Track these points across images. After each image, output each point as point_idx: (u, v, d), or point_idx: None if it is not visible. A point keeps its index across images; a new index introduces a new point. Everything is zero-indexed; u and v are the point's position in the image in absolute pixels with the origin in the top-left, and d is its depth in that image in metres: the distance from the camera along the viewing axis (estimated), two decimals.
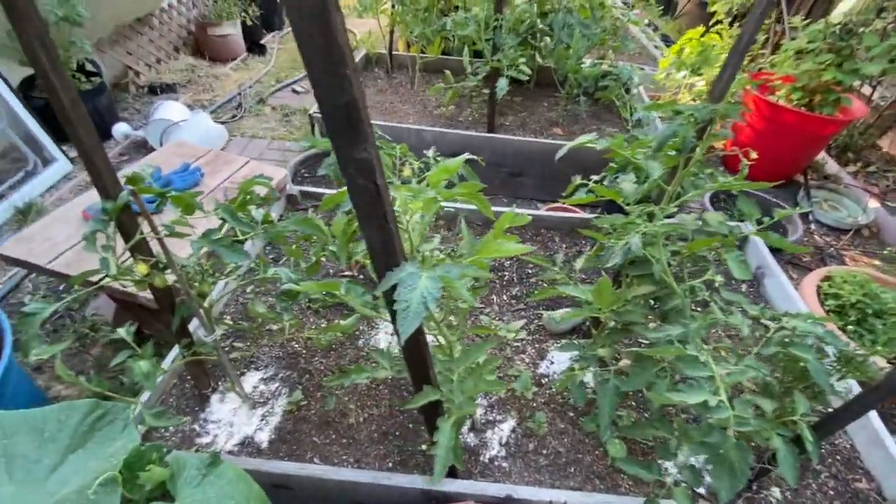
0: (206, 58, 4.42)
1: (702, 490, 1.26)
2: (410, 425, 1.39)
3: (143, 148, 3.14)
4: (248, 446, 1.31)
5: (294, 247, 1.14)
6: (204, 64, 4.32)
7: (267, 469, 1.19)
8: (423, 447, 1.33)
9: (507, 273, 1.94)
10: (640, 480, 1.25)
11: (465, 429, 1.38)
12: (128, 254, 0.99)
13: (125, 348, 1.03)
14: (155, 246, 1.03)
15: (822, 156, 3.35)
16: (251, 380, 1.47)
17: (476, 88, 3.09)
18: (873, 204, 2.89)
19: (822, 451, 1.37)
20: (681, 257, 1.15)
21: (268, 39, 5.07)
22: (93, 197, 1.88)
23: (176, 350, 1.35)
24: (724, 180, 1.20)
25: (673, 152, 1.08)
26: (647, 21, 5.70)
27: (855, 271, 1.80)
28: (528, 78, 2.72)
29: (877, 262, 2.58)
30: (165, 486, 0.75)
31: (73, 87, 0.80)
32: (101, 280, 0.96)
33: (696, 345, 0.88)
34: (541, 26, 3.00)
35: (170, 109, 3.00)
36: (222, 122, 3.43)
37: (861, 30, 2.60)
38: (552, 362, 1.58)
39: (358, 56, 3.54)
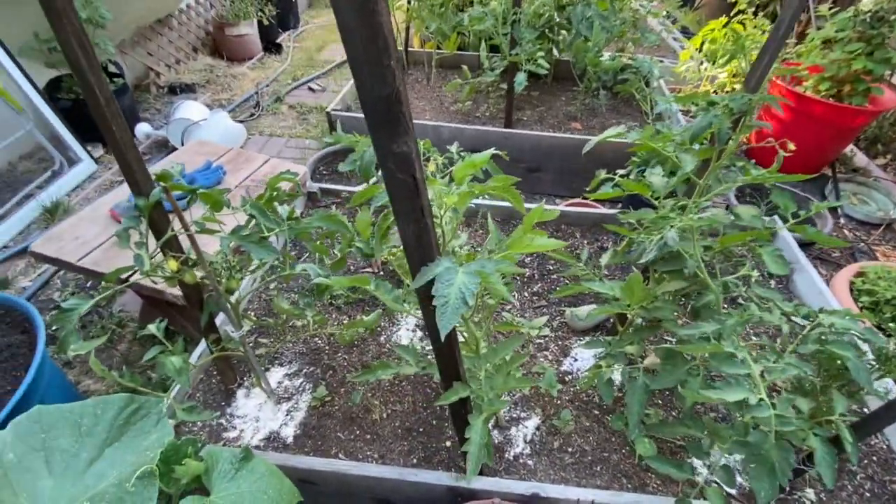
0: (223, 58, 4.47)
1: (733, 490, 1.24)
2: (434, 422, 1.39)
3: (164, 147, 3.19)
4: (273, 441, 1.33)
5: (319, 243, 1.14)
6: (222, 64, 4.37)
7: (293, 464, 1.19)
8: (448, 444, 1.33)
9: (528, 269, 1.92)
10: (670, 479, 1.22)
11: (490, 425, 1.37)
12: (157, 250, 1.00)
13: (153, 345, 1.05)
14: (184, 242, 1.04)
15: (850, 148, 3.25)
16: (276, 375, 1.48)
17: (493, 84, 3.06)
18: None
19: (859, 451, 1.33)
20: (712, 252, 1.12)
21: (283, 38, 5.11)
22: (118, 196, 1.91)
23: (202, 346, 1.37)
24: (758, 173, 1.16)
25: (701, 145, 1.05)
26: (665, 13, 5.59)
27: (889, 267, 1.74)
28: (546, 72, 2.68)
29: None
30: (200, 479, 0.75)
31: (107, 86, 0.80)
32: (131, 276, 0.97)
33: (733, 342, 0.85)
34: (558, 19, 2.97)
35: (189, 109, 3.04)
36: (241, 121, 3.46)
37: (893, 17, 2.50)
38: (576, 359, 1.56)
39: None
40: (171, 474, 0.72)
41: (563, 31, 3.04)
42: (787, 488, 1.24)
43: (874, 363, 1.09)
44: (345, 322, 1.62)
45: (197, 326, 1.21)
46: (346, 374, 1.49)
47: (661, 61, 3.60)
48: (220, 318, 1.45)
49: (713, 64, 3.12)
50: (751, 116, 1.01)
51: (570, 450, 1.33)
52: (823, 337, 1.05)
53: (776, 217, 1.96)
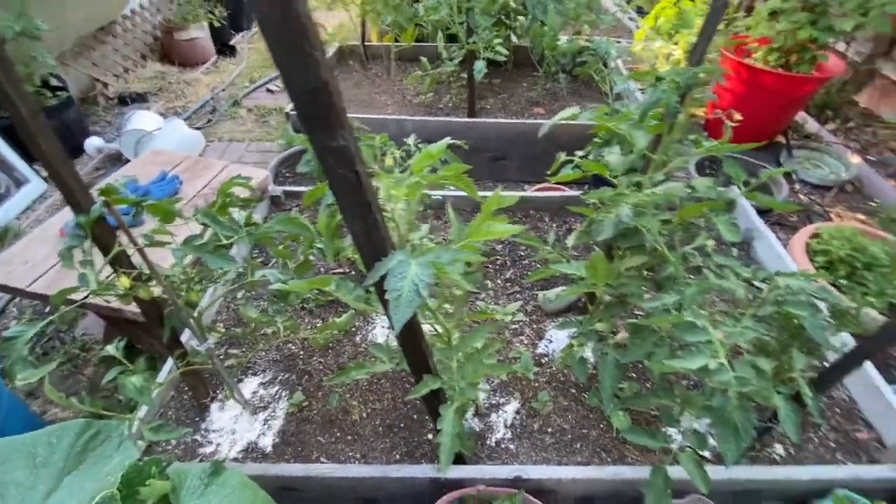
0: (175, 63, 4.31)
1: (706, 453, 1.28)
2: (415, 416, 1.38)
3: (118, 161, 3.06)
4: (252, 452, 1.30)
5: (281, 247, 1.12)
6: (173, 70, 4.21)
7: (273, 473, 1.18)
8: (430, 437, 1.33)
9: (499, 257, 1.93)
10: (647, 449, 1.26)
11: (469, 414, 1.38)
12: (110, 269, 0.96)
13: (118, 366, 1.01)
14: (138, 258, 1.00)
15: (801, 115, 3.37)
16: (250, 385, 1.45)
17: (454, 74, 3.04)
18: (854, 159, 2.92)
19: (821, 404, 1.39)
20: (671, 226, 1.14)
21: (237, 40, 4.95)
22: (69, 214, 1.83)
23: (171, 362, 1.33)
24: (710, 145, 1.19)
25: (656, 121, 1.06)
26: None
27: (842, 226, 1.82)
28: (505, 59, 2.68)
29: (860, 216, 2.61)
30: (168, 499, 0.73)
31: (32, 98, 0.76)
32: (84, 298, 0.93)
33: (693, 311, 0.87)
34: (514, 5, 2.96)
35: (142, 119, 2.93)
36: (198, 128, 3.35)
37: None
38: (550, 341, 1.58)
39: (331, 50, 3.47)
40: (135, 497, 0.69)
41: (520, 17, 3.05)
42: (758, 445, 1.29)
43: (830, 320, 1.14)
44: (318, 325, 1.60)
45: (162, 343, 1.17)
46: (323, 377, 1.47)
47: (619, 41, 3.65)
48: (186, 333, 1.41)
49: (668, 40, 3.18)
50: (698, 89, 1.03)
51: (549, 430, 1.34)
52: (780, 298, 1.09)
53: (734, 187, 2.02)
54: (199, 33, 4.32)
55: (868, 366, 1.38)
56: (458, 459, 1.19)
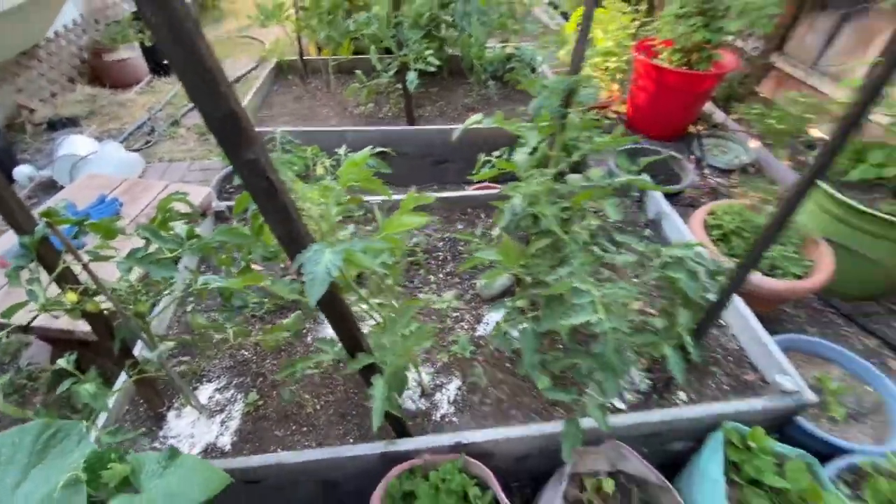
0: (106, 85, 4.21)
1: (622, 405, 1.47)
2: (366, 404, 1.50)
3: (51, 188, 2.98)
4: (211, 452, 1.37)
5: (224, 256, 1.21)
6: (105, 92, 4.11)
7: (232, 466, 1.26)
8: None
9: (441, 253, 2.08)
10: (570, 409, 1.43)
11: (416, 395, 1.51)
12: (53, 286, 1.02)
13: (70, 378, 1.07)
14: (84, 277, 1.06)
15: (710, 107, 3.75)
16: (205, 392, 1.52)
17: (390, 84, 3.18)
18: (754, 144, 3.29)
19: (717, 354, 1.62)
20: (572, 211, 1.33)
21: None
22: (5, 244, 1.82)
23: (123, 375, 1.38)
24: (601, 140, 1.39)
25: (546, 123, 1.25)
26: (548, 1, 6.00)
27: (732, 203, 2.09)
28: (437, 68, 2.84)
29: (759, 195, 2.95)
30: (128, 481, 0.82)
31: None
32: (34, 317, 0.99)
33: (581, 278, 1.05)
34: (444, 17, 3.14)
35: (75, 143, 2.88)
36: (136, 150, 3.31)
37: None
38: (487, 324, 1.74)
39: (269, 66, 3.53)
40: (98, 480, 0.78)
41: (451, 28, 3.23)
42: (665, 395, 1.50)
43: (707, 279, 1.36)
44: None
45: (112, 359, 1.22)
46: (276, 377, 1.56)
47: (546, 48, 3.91)
48: (138, 348, 1.46)
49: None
50: (578, 94, 1.21)
51: (488, 401, 1.50)
52: (664, 265, 1.29)
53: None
54: (129, 53, 4.24)
55: (753, 321, 1.62)
56: (404, 433, 1.32)
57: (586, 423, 1.24)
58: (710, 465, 1.29)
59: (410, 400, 1.50)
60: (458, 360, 1.61)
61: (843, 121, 0.91)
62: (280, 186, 0.67)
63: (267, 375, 1.57)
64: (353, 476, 1.35)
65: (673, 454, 1.53)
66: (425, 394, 1.51)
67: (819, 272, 1.85)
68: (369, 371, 1.00)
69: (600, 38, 3.47)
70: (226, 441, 1.39)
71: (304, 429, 1.44)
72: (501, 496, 1.22)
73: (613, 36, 3.44)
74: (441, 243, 2.13)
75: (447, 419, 1.45)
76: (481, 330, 1.73)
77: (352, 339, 0.95)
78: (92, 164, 2.77)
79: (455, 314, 1.79)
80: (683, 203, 2.79)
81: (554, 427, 1.31)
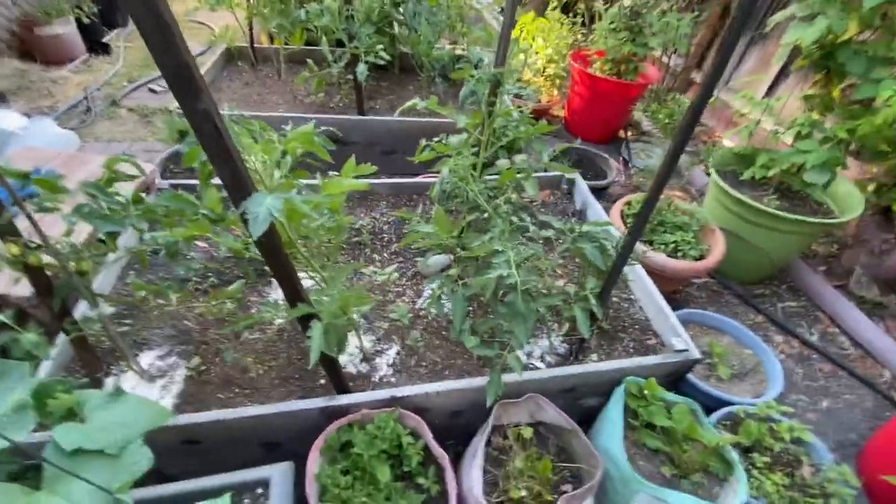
0: (37, 60, 3.97)
1: (540, 364, 1.66)
2: (309, 367, 1.59)
3: None
4: None
5: (169, 219, 1.26)
6: (36, 67, 3.88)
7: (172, 423, 1.31)
8: (322, 381, 1.55)
9: (386, 235, 2.19)
10: (491, 360, 1.60)
11: (357, 360, 1.62)
12: None
13: (8, 332, 1.09)
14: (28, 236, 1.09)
15: (640, 116, 4.11)
16: (146, 359, 1.54)
17: (342, 76, 3.26)
18: None
19: (625, 323, 1.85)
20: (498, 190, 1.49)
21: (111, 38, 4.66)
22: None
23: (62, 337, 1.39)
24: (525, 128, 1.57)
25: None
26: (499, 8, 6.27)
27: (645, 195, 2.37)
28: (388, 64, 2.96)
29: (676, 193, 3.31)
30: (73, 412, 0.87)
31: None
32: None
33: (499, 241, 1.21)
34: (397, 16, 3.26)
35: (3, 119, 2.73)
36: (70, 129, 3.17)
37: (645, 11, 3.27)
38: (427, 297, 1.87)
39: (218, 51, 3.49)
40: (44, 408, 0.83)
41: (404, 26, 3.36)
42: (580, 357, 1.70)
43: (613, 252, 1.57)
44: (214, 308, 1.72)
45: (49, 326, 1.24)
46: (220, 345, 1.61)
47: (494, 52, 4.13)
48: (79, 311, 1.47)
49: (526, 52, 3.70)
50: (504, 85, 1.38)
51: (424, 364, 1.63)
52: (575, 238, 1.49)
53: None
54: (64, 29, 4.02)
55: (657, 294, 1.87)
56: (343, 390, 1.43)
57: (511, 378, 1.40)
58: (613, 411, 1.50)
59: (352, 364, 1.61)
60: (398, 329, 1.73)
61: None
62: (226, 133, 0.77)
63: (211, 343, 1.62)
64: (296, 436, 1.44)
65: (587, 409, 1.73)
66: (366, 359, 1.62)
67: (713, 255, 2.14)
68: (309, 321, 1.10)
69: (541, 47, 3.73)
70: (167, 403, 1.43)
71: (247, 391, 1.50)
72: (432, 443, 1.36)
73: (553, 44, 3.71)
74: (387, 226, 2.24)
75: (385, 380, 1.57)
76: (420, 302, 1.86)
77: (293, 291, 1.05)
78: (22, 138, 2.64)
79: (397, 289, 1.91)
80: (611, 199, 3.07)
81: (482, 381, 1.47)
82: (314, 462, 1.31)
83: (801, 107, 2.50)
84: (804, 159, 2.15)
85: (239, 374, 1.54)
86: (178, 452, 1.40)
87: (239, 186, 0.83)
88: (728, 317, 2.07)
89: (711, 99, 1.09)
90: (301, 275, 1.33)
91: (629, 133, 3.82)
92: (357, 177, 1.20)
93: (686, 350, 1.64)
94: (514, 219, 1.32)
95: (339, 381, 1.39)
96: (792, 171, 2.38)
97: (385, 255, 2.08)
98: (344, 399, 1.40)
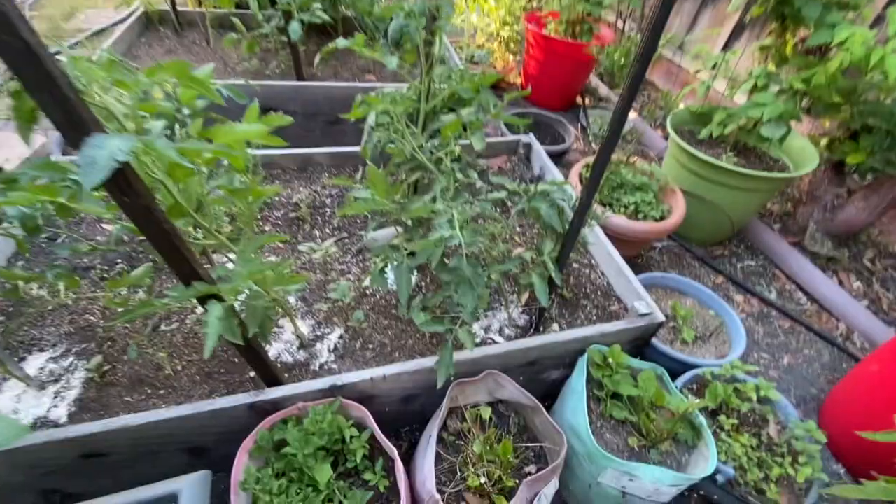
0: None
1: (499, 338, 1.53)
2: (235, 360, 1.39)
3: None
4: (42, 426, 1.18)
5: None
6: None
7: (67, 436, 1.09)
8: (251, 374, 1.36)
9: (328, 209, 1.99)
10: (442, 336, 1.45)
11: (294, 348, 1.43)
12: None
13: None
14: None
15: (598, 83, 4.01)
16: (36, 362, 1.30)
17: (278, 40, 2.96)
18: (632, 115, 3.59)
19: (586, 289, 1.74)
20: (442, 146, 1.32)
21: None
22: None
23: None
24: (469, 79, 1.39)
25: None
26: None
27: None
28: (330, 26, 2.69)
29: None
30: None
31: None
32: None
33: (441, 201, 1.05)
34: None
35: None
36: None
37: None
38: None
39: (135, 14, 3.10)
40: None
41: None
42: (541, 328, 1.58)
43: (571, 212, 1.44)
44: (119, 296, 1.48)
45: None
46: (129, 341, 1.38)
47: None
48: None
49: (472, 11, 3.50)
50: (441, 21, 1.20)
51: (371, 346, 1.47)
52: (530, 199, 1.34)
53: (531, 134, 2.36)
54: None
55: (619, 259, 1.76)
56: (275, 382, 1.25)
57: (467, 355, 1.26)
58: (576, 383, 1.39)
59: (288, 352, 1.42)
60: (340, 310, 1.55)
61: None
62: (43, 51, 0.56)
63: (118, 339, 1.39)
64: (224, 438, 1.25)
65: (550, 383, 1.62)
66: (304, 345, 1.44)
67: (674, 215, 2.06)
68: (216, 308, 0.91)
69: (493, 8, 3.54)
70: (61, 413, 1.21)
71: (162, 391, 1.30)
72: (379, 434, 1.20)
73: (506, 5, 3.53)
74: (329, 199, 2.03)
75: (326, 367, 1.40)
76: (368, 281, 1.68)
77: (184, 268, 0.85)
78: None
79: (341, 266, 1.72)
80: (570, 166, 2.96)
81: (432, 361, 1.32)
82: (240, 467, 1.14)
83: (757, 60, 2.44)
84: (760, 112, 2.09)
85: (152, 373, 1.33)
86: (79, 469, 1.19)
87: (73, 124, 0.62)
88: (689, 279, 2.01)
89: (657, 51, 0.96)
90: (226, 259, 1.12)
91: (587, 100, 3.71)
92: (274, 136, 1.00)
93: (650, 313, 1.55)
94: (460, 175, 1.15)
95: (268, 372, 1.21)
96: (748, 127, 2.33)
97: (327, 230, 1.88)
98: (275, 392, 1.22)
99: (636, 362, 1.45)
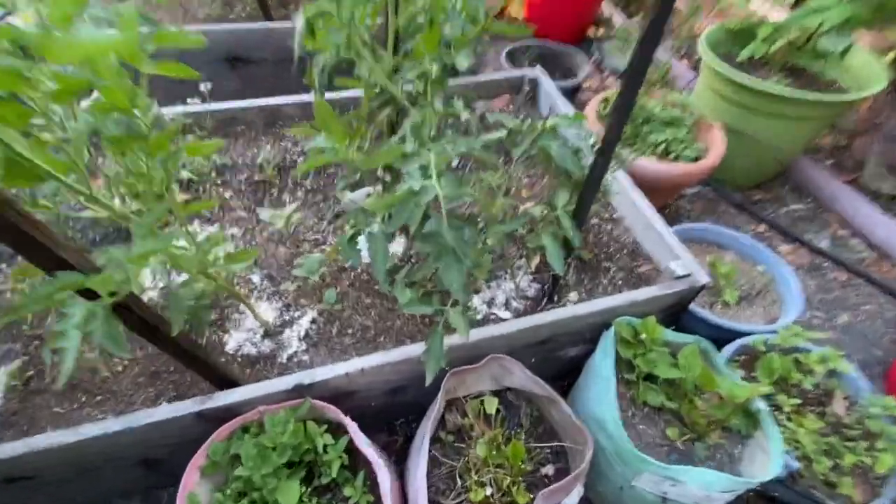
0: None
1: (504, 313, 1.27)
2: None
3: None
4: None
5: None
6: None
7: None
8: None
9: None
10: (431, 318, 1.20)
11: (257, 337, 1.19)
12: None
13: None
14: None
15: (612, 12, 3.52)
16: None
17: None
18: None
19: (609, 249, 1.45)
20: (418, 73, 1.00)
21: None
22: None
23: None
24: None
25: None
26: None
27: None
28: None
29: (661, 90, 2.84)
30: None
31: None
32: None
33: (413, 141, 0.75)
34: None
35: None
36: None
37: None
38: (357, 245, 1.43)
39: None
40: None
41: None
42: (556, 298, 1.31)
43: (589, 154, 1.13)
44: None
45: None
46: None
47: None
48: None
49: None
50: None
51: (350, 331, 1.22)
52: (538, 137, 1.04)
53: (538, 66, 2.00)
54: None
55: (648, 209, 1.46)
56: (229, 383, 1.01)
57: (463, 338, 1.00)
58: (601, 365, 1.13)
59: (251, 343, 1.18)
60: (313, 289, 1.30)
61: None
62: None
63: (48, 339, 1.16)
64: (180, 450, 1.03)
65: (568, 361, 1.38)
66: (269, 333, 1.20)
67: (712, 153, 1.73)
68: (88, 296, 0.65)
69: None
70: None
71: (99, 398, 1.08)
72: (359, 440, 0.97)
73: None
74: (301, 158, 1.74)
75: (295, 359, 1.16)
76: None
77: (40, 252, 0.59)
78: None
79: (315, 236, 1.45)
80: (581, 105, 2.59)
81: (420, 347, 1.07)
82: (189, 488, 0.92)
83: None
84: (819, 20, 1.69)
85: (87, 376, 1.10)
86: (4, 495, 0.99)
87: None
88: (729, 229, 1.70)
89: None
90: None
91: (601, 31, 3.26)
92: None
93: (688, 275, 1.26)
94: (439, 106, 0.85)
95: (215, 374, 0.97)
96: (798, 43, 1.93)
97: (299, 194, 1.60)
98: (226, 397, 0.98)
99: (674, 335, 1.18)
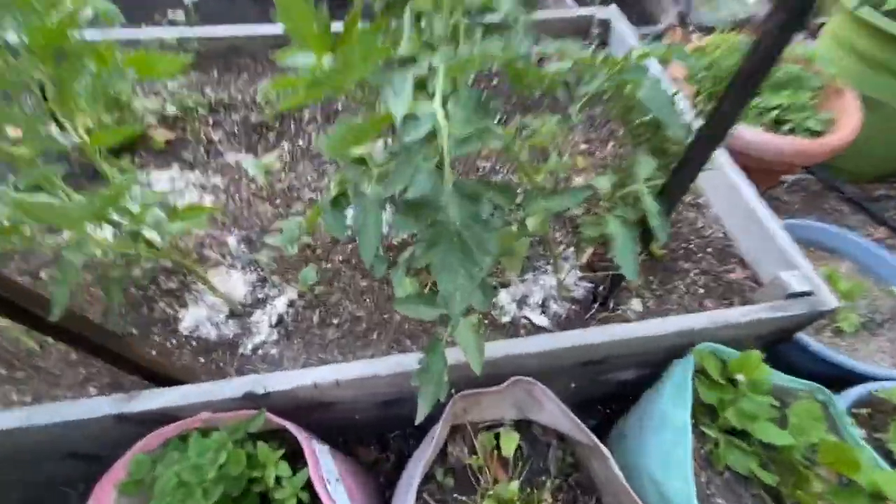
0: None
1: (540, 319, 0.95)
2: (134, 331, 0.93)
3: None
4: None
5: None
6: None
7: None
8: (154, 352, 0.89)
9: (305, 111, 1.41)
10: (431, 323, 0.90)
11: (221, 316, 0.94)
12: None
13: None
14: None
15: None
16: None
17: None
18: None
19: (690, 244, 1.09)
20: None
21: None
22: None
23: None
24: None
25: None
26: None
27: (726, 36, 1.46)
28: None
29: None
30: None
31: None
32: None
33: (413, 39, 0.44)
34: None
35: None
36: None
37: None
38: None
39: None
40: None
41: None
42: (611, 303, 0.98)
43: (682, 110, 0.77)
44: None
45: None
46: None
47: None
48: None
49: None
50: None
51: (336, 321, 0.95)
52: (618, 72, 0.69)
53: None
54: None
55: (750, 194, 1.08)
56: (164, 380, 0.77)
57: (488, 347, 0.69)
58: (670, 407, 0.80)
59: (211, 323, 0.93)
60: (298, 261, 1.02)
61: None
62: None
63: None
64: (117, 444, 0.81)
65: (615, 385, 1.05)
66: (236, 314, 0.94)
67: (842, 128, 1.29)
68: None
69: None
70: None
71: (20, 374, 0.87)
72: (318, 479, 0.70)
73: None
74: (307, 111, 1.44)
75: (261, 352, 0.90)
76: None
77: None
78: None
79: (311, 195, 1.17)
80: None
81: (410, 358, 0.78)
82: None
83: None
84: None
85: (12, 347, 0.89)
86: None
87: None
88: (846, 231, 1.29)
89: None
90: None
91: None
92: None
93: (810, 293, 0.89)
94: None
95: (139, 367, 0.72)
96: None
97: (301, 142, 1.32)
98: (152, 400, 0.74)
99: (782, 379, 0.83)
